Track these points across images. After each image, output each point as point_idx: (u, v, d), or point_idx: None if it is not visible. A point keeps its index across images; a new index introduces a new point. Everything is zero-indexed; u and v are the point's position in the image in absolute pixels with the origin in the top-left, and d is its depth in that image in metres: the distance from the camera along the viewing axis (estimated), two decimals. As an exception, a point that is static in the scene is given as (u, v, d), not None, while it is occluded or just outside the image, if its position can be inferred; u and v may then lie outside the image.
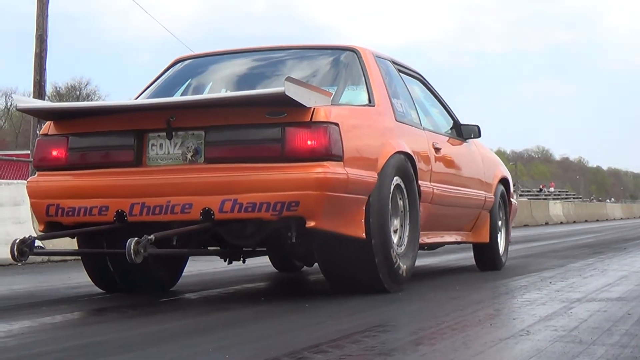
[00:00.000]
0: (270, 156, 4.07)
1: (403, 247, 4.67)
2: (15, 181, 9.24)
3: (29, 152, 18.16)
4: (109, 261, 4.77)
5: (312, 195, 3.97)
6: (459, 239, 5.93)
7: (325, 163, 4.03)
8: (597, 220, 30.98)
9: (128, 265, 4.02)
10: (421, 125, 5.29)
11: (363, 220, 4.27)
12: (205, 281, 5.80)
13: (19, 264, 6.99)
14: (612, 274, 5.74)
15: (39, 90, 16.97)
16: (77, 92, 60.86)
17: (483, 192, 6.10)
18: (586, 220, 29.42)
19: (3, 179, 16.45)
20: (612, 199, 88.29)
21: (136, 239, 3.73)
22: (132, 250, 3.70)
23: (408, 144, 4.78)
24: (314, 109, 4.07)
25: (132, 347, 3.00)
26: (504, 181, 6.58)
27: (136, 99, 5.07)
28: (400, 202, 4.69)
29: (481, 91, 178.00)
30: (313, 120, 4.05)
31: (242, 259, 5.04)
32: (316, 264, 5.15)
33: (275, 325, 3.51)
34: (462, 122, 6.04)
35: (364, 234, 4.26)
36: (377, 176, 4.37)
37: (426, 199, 5.01)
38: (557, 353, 2.71)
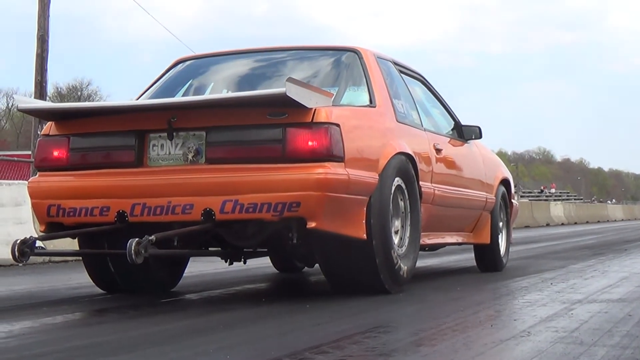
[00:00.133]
0: (272, 157, 4.07)
1: (404, 248, 4.67)
2: (16, 181, 9.24)
3: (30, 152, 18.17)
4: (109, 262, 4.77)
5: (313, 196, 3.97)
6: (459, 240, 5.93)
7: (326, 164, 4.03)
8: (598, 222, 30.95)
9: (129, 265, 4.02)
10: (422, 126, 5.29)
11: (364, 221, 4.27)
12: (206, 282, 5.80)
13: (20, 264, 6.99)
14: (612, 276, 5.74)
15: (40, 91, 16.97)
16: (79, 93, 60.90)
17: (484, 193, 6.10)
18: (587, 222, 29.40)
19: (4, 179, 16.47)
20: (613, 200, 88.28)
21: (137, 239, 3.74)
22: (133, 251, 3.70)
23: (409, 145, 4.78)
24: (315, 109, 4.07)
25: (133, 348, 3.00)
26: (505, 182, 6.58)
27: (137, 99, 5.07)
28: (401, 203, 4.69)
29: (482, 92, 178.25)
30: (314, 121, 4.05)
31: (243, 259, 5.03)
32: (317, 265, 5.15)
33: (276, 326, 3.51)
34: (463, 123, 6.05)
35: (364, 235, 4.26)
36: (378, 177, 4.37)
37: (427, 199, 5.01)
38: (558, 354, 2.71)
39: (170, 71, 5.35)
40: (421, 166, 4.94)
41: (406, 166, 4.70)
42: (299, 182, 3.98)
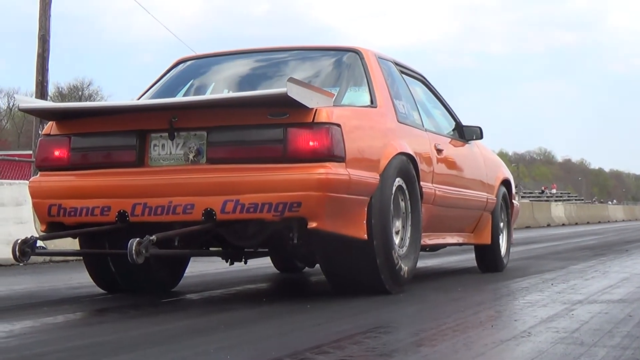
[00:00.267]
0: (272, 157, 4.07)
1: (405, 249, 4.67)
2: (17, 181, 9.25)
3: (31, 152, 18.19)
4: (110, 261, 4.77)
5: (314, 196, 3.97)
6: (460, 240, 5.93)
7: (327, 164, 4.03)
8: (599, 222, 30.94)
9: (130, 265, 4.02)
10: (423, 126, 5.29)
11: (365, 222, 4.27)
12: (207, 282, 5.80)
13: (21, 264, 6.99)
14: (613, 276, 5.74)
15: (41, 91, 16.97)
16: (80, 93, 60.86)
17: (485, 194, 6.10)
18: (588, 222, 29.38)
19: (5, 179, 16.48)
20: (614, 201, 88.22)
21: (138, 239, 3.74)
22: (133, 251, 3.70)
23: (410, 145, 4.78)
24: (316, 109, 4.07)
25: (133, 348, 3.00)
26: (505, 183, 6.58)
27: (138, 99, 5.07)
28: (402, 204, 4.69)
29: (483, 92, 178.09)
30: (315, 121, 4.05)
31: (243, 259, 5.03)
32: (318, 265, 5.15)
33: (277, 326, 3.51)
34: (464, 123, 6.05)
35: (365, 235, 4.26)
36: (379, 177, 4.37)
37: (428, 200, 5.02)
38: (558, 354, 2.71)
39: (171, 71, 5.35)
40: (422, 166, 4.94)
41: (407, 166, 4.70)
42: (300, 182, 3.98)
